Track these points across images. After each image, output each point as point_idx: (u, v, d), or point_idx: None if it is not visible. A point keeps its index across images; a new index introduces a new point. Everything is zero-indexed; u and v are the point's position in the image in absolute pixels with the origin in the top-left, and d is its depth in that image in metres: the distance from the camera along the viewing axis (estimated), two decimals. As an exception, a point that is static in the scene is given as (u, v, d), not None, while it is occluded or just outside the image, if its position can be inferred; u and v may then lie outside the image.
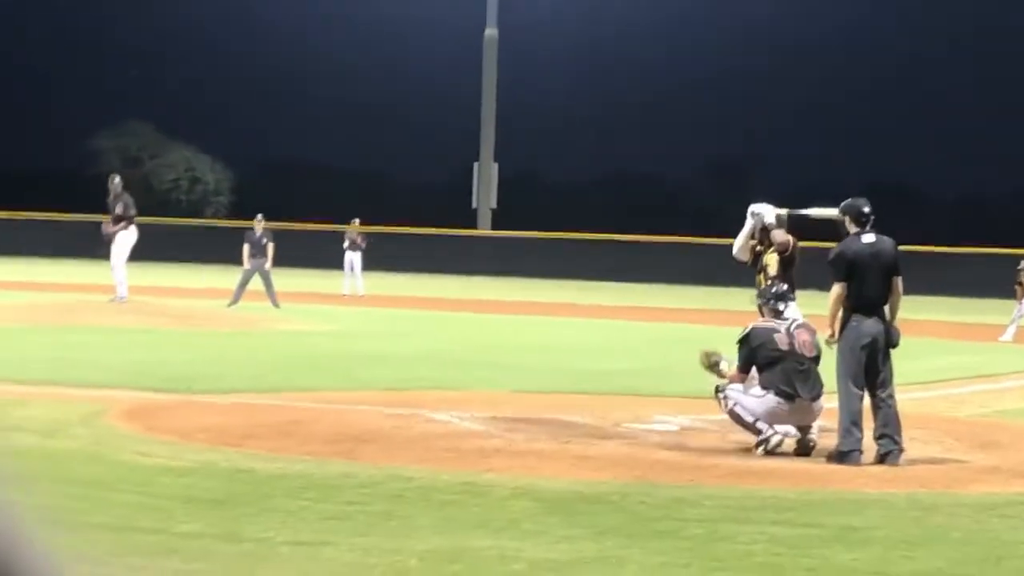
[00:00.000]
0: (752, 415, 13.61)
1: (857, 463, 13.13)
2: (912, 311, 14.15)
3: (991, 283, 43.20)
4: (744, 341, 14.00)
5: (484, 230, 73.91)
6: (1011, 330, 32.14)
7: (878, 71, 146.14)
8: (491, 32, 76.15)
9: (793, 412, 13.66)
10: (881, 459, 13.34)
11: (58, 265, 55.74)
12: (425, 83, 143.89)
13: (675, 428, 15.12)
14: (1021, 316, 32.45)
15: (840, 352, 13.48)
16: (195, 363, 20.44)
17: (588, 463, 12.83)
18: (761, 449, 13.55)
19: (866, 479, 12.54)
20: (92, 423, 13.98)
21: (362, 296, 41.97)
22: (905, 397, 13.85)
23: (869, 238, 13.66)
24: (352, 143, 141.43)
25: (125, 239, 31.41)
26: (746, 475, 12.49)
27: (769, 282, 14.70)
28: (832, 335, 13.48)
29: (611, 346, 27.68)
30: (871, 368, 13.41)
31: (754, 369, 13.94)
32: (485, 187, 74.88)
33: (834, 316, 13.48)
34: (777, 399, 13.61)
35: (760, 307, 14.45)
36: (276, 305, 34.09)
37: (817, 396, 13.75)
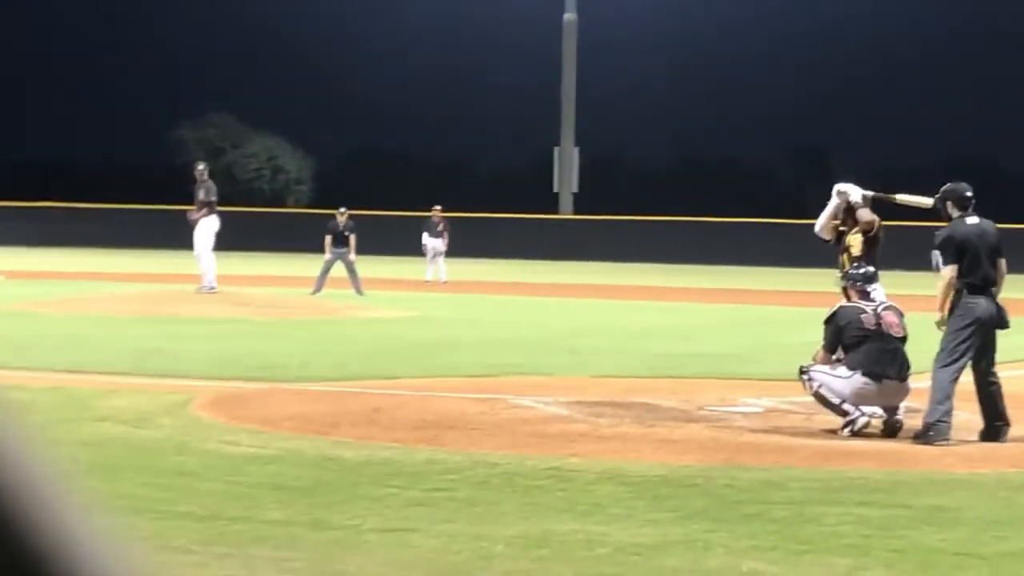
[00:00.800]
0: (838, 396, 13.52)
1: (945, 437, 13.04)
2: (1008, 289, 14.01)
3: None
4: (831, 320, 13.93)
5: (566, 214, 73.86)
6: None
7: (961, 47, 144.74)
8: (570, 16, 76.05)
9: (880, 393, 13.56)
10: (987, 436, 13.29)
11: (143, 256, 56.22)
12: (505, 69, 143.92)
13: (760, 410, 15.05)
14: None
15: (949, 330, 13.39)
16: (280, 352, 20.55)
17: (673, 446, 12.79)
18: (847, 430, 13.46)
19: (954, 459, 12.44)
20: (178, 413, 14.09)
21: (445, 282, 42.05)
22: (999, 376, 13.72)
23: (973, 220, 13.65)
24: (433, 130, 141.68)
25: (207, 227, 31.65)
26: (832, 456, 12.43)
27: (854, 263, 14.61)
28: (943, 318, 13.40)
29: (694, 329, 27.58)
30: (983, 348, 13.37)
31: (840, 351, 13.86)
32: (566, 171, 74.81)
33: (945, 297, 13.41)
34: (864, 379, 13.52)
35: (845, 288, 14.36)
36: (360, 293, 34.27)
37: (905, 377, 13.65)
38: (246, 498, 10.03)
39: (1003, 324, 13.49)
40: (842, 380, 13.56)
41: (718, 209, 70.86)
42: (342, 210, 36.75)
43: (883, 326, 13.74)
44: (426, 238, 44.40)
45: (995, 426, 13.43)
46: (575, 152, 75.50)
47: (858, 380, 13.52)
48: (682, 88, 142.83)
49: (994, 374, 13.53)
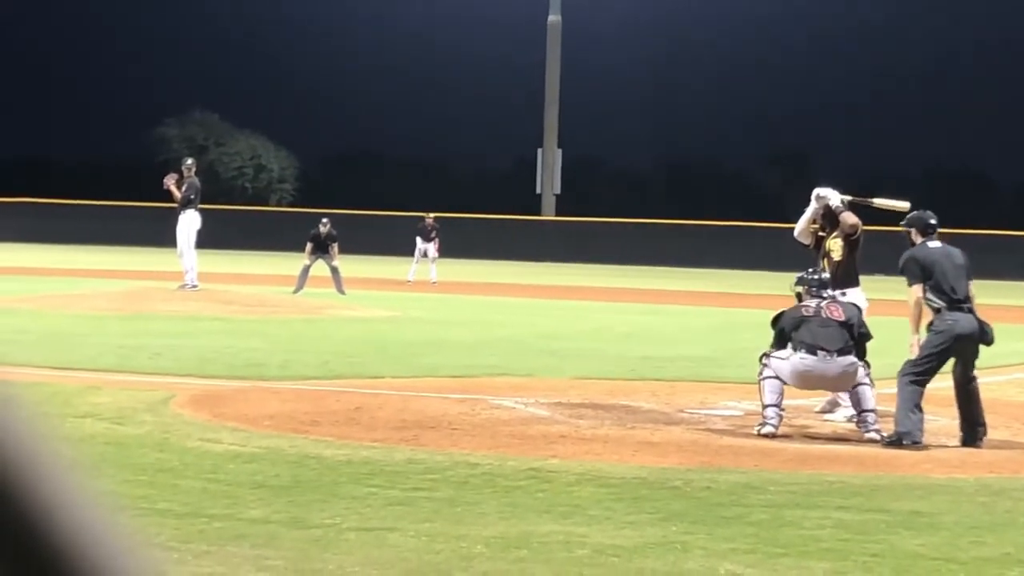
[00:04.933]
0: (773, 393, 13.64)
1: (917, 443, 13.11)
2: (982, 296, 14.08)
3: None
4: (776, 320, 14.14)
5: (548, 215, 73.91)
6: None
7: (935, 55, 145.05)
8: (554, 19, 76.10)
9: (820, 368, 13.65)
10: (965, 441, 13.37)
11: (126, 253, 56.12)
12: (489, 71, 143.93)
13: (740, 414, 15.08)
14: None
15: (927, 342, 13.44)
16: (261, 350, 20.54)
17: (653, 449, 12.82)
18: (755, 430, 13.60)
19: (932, 464, 12.49)
20: (159, 410, 14.08)
21: (435, 283, 42.22)
22: (977, 381, 13.79)
23: (935, 244, 13.76)
24: (416, 131, 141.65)
25: (189, 224, 31.55)
26: (811, 460, 12.47)
27: (810, 269, 14.74)
28: (917, 339, 13.44)
29: (675, 332, 27.62)
30: (967, 362, 13.45)
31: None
32: (549, 173, 74.87)
33: (916, 319, 13.48)
34: (800, 355, 13.73)
35: (799, 294, 14.45)
36: (342, 293, 34.29)
37: (844, 352, 13.71)
38: (226, 496, 10.04)
39: (986, 340, 13.54)
40: (783, 361, 13.73)
41: (700, 212, 71.00)
42: (324, 220, 36.94)
43: (822, 311, 13.92)
44: (420, 242, 44.76)
45: (973, 431, 13.49)
46: (558, 154, 75.57)
47: (796, 358, 13.72)
48: (665, 91, 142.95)
49: (973, 379, 13.59)
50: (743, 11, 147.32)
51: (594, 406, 15.35)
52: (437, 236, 44.89)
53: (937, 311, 13.50)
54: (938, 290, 13.49)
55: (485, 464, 11.58)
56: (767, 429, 13.58)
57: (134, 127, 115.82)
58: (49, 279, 38.15)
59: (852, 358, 13.74)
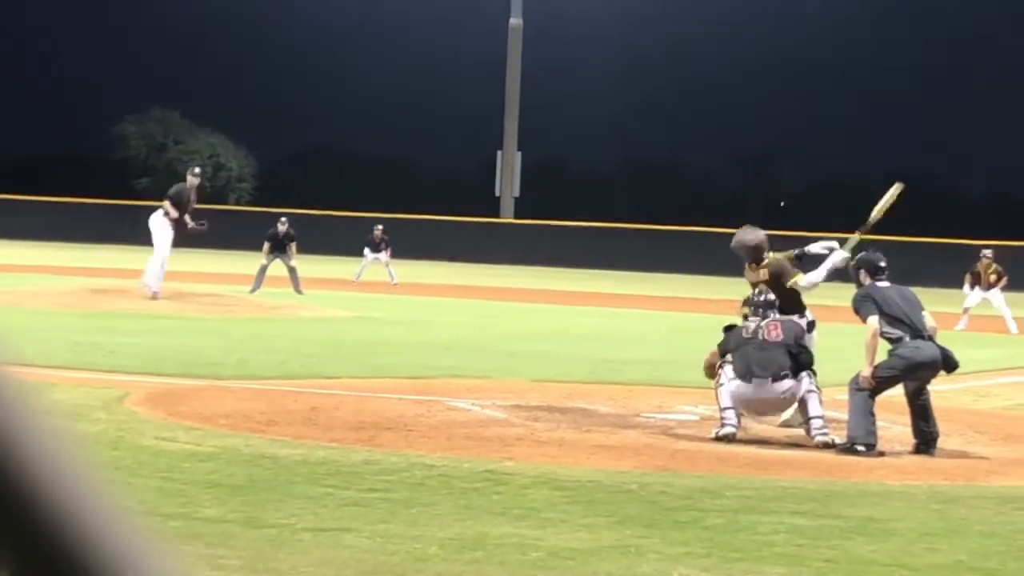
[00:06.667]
0: (727, 399, 13.78)
1: (871, 447, 13.17)
2: (933, 303, 14.18)
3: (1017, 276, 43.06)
4: (727, 330, 14.45)
5: (507, 218, 73.93)
6: (963, 320, 32.26)
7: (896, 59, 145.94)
8: (516, 21, 76.15)
9: (756, 392, 13.77)
10: (919, 448, 13.43)
11: (81, 250, 55.86)
12: (451, 72, 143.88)
13: (697, 418, 15.11)
14: (974, 304, 33.08)
15: (886, 363, 13.48)
16: (218, 349, 20.48)
17: (609, 452, 12.84)
18: (713, 433, 13.73)
19: (887, 471, 12.54)
20: (114, 408, 14.02)
21: (396, 284, 42.20)
22: (929, 390, 13.86)
23: (884, 284, 13.85)
24: (376, 131, 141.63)
25: (170, 231, 30.25)
26: (767, 465, 12.50)
27: (756, 290, 14.78)
28: (872, 372, 13.45)
29: (633, 335, 27.66)
30: (921, 385, 13.51)
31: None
32: (508, 175, 74.91)
33: (873, 351, 13.51)
34: (738, 381, 13.89)
35: (745, 315, 14.51)
36: (300, 292, 34.23)
37: (779, 378, 13.79)
38: (181, 495, 10.00)
39: (949, 367, 13.58)
40: (728, 383, 13.85)
41: (661, 215, 71.12)
42: (283, 219, 36.93)
43: (760, 333, 14.01)
44: (368, 252, 44.74)
45: (926, 439, 13.55)
46: (517, 156, 75.61)
47: (733, 383, 13.90)
48: (627, 94, 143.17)
49: (924, 391, 13.67)
50: (704, 14, 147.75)
51: (551, 409, 15.36)
52: (387, 248, 45.03)
53: (899, 339, 13.55)
54: (897, 322, 13.57)
55: (441, 466, 11.57)
56: (726, 431, 13.62)
57: (93, 124, 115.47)
58: (3, 275, 37.92)
59: (788, 383, 13.80)
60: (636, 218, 70.94)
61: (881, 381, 13.46)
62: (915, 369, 13.50)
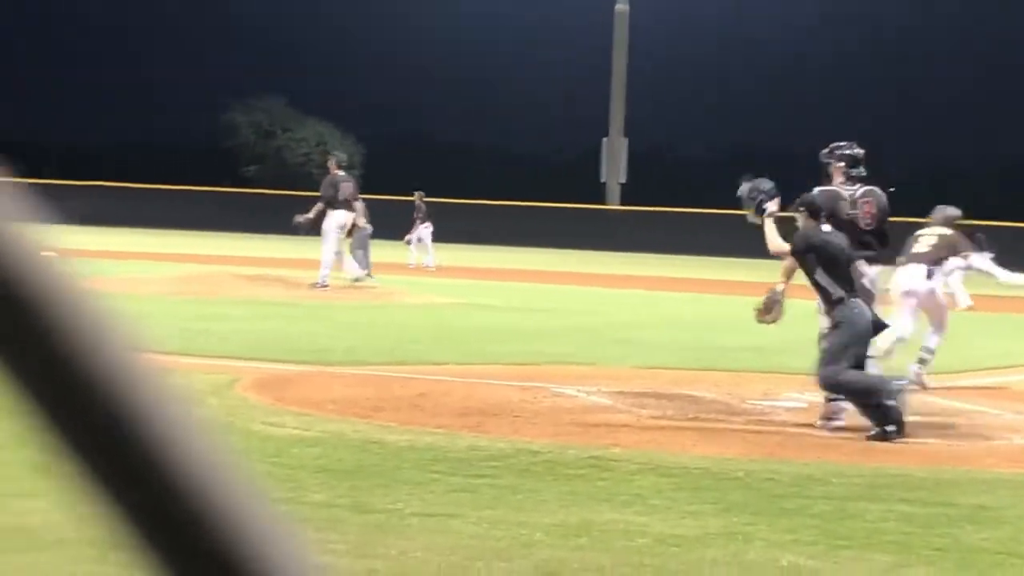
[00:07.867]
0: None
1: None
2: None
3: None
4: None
5: (613, 204, 73.77)
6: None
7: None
8: (621, 7, 75.94)
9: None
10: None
11: (189, 237, 56.42)
12: (557, 59, 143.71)
13: (804, 405, 15.03)
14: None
15: (844, 331, 13.30)
16: (327, 335, 20.62)
17: (715, 439, 12.80)
18: (821, 423, 13.62)
19: (997, 459, 12.41)
20: (224, 393, 14.15)
21: (433, 268, 41.54)
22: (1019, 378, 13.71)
23: (827, 227, 13.69)
24: (482, 119, 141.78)
25: (331, 222, 31.13)
26: (875, 453, 12.41)
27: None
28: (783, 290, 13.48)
29: (740, 322, 27.48)
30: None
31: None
32: (614, 162, 74.74)
33: (790, 272, 13.46)
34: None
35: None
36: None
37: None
38: (289, 480, 10.09)
39: (879, 328, 13.43)
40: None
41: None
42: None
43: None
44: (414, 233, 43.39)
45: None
46: (624, 142, 75.41)
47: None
48: (733, 80, 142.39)
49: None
50: (818, 3, 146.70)
51: (657, 395, 15.34)
52: (426, 218, 43.10)
53: (840, 300, 13.36)
54: (842, 279, 13.40)
55: (546, 452, 11.59)
56: (837, 422, 13.46)
57: (202, 113, 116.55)
58: (117, 262, 38.37)
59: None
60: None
61: (850, 353, 13.22)
62: (865, 329, 13.30)
